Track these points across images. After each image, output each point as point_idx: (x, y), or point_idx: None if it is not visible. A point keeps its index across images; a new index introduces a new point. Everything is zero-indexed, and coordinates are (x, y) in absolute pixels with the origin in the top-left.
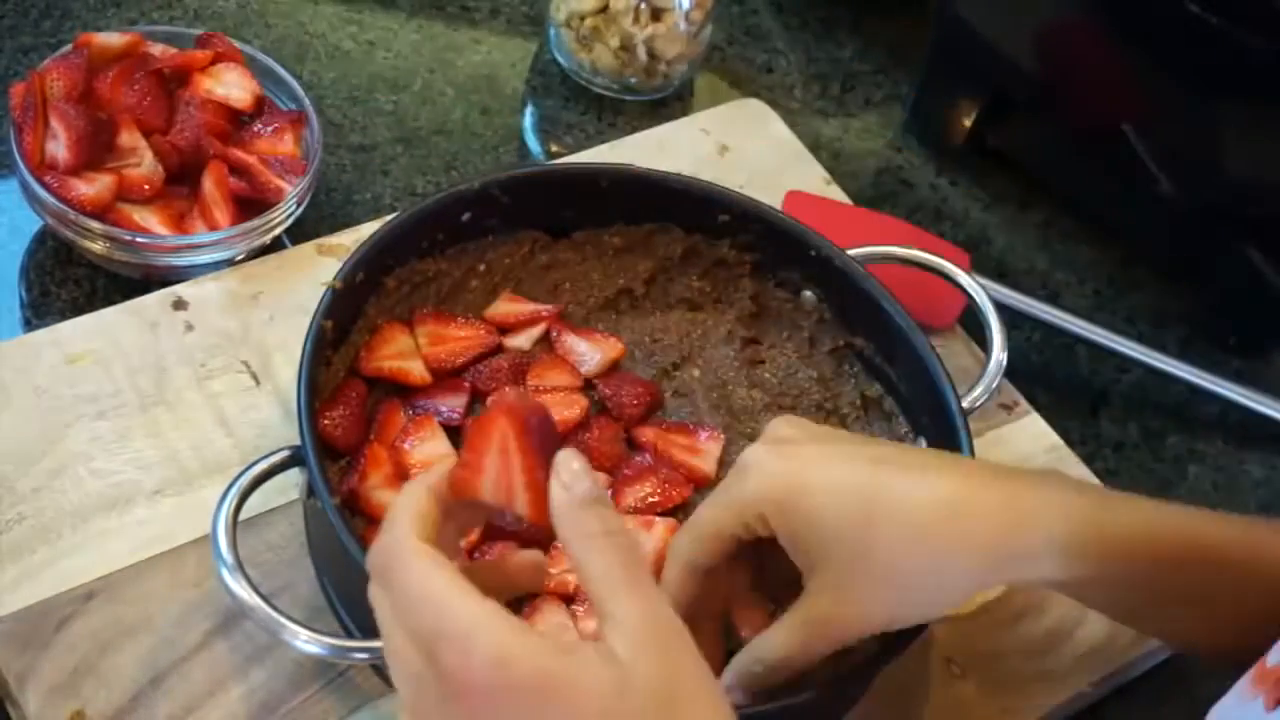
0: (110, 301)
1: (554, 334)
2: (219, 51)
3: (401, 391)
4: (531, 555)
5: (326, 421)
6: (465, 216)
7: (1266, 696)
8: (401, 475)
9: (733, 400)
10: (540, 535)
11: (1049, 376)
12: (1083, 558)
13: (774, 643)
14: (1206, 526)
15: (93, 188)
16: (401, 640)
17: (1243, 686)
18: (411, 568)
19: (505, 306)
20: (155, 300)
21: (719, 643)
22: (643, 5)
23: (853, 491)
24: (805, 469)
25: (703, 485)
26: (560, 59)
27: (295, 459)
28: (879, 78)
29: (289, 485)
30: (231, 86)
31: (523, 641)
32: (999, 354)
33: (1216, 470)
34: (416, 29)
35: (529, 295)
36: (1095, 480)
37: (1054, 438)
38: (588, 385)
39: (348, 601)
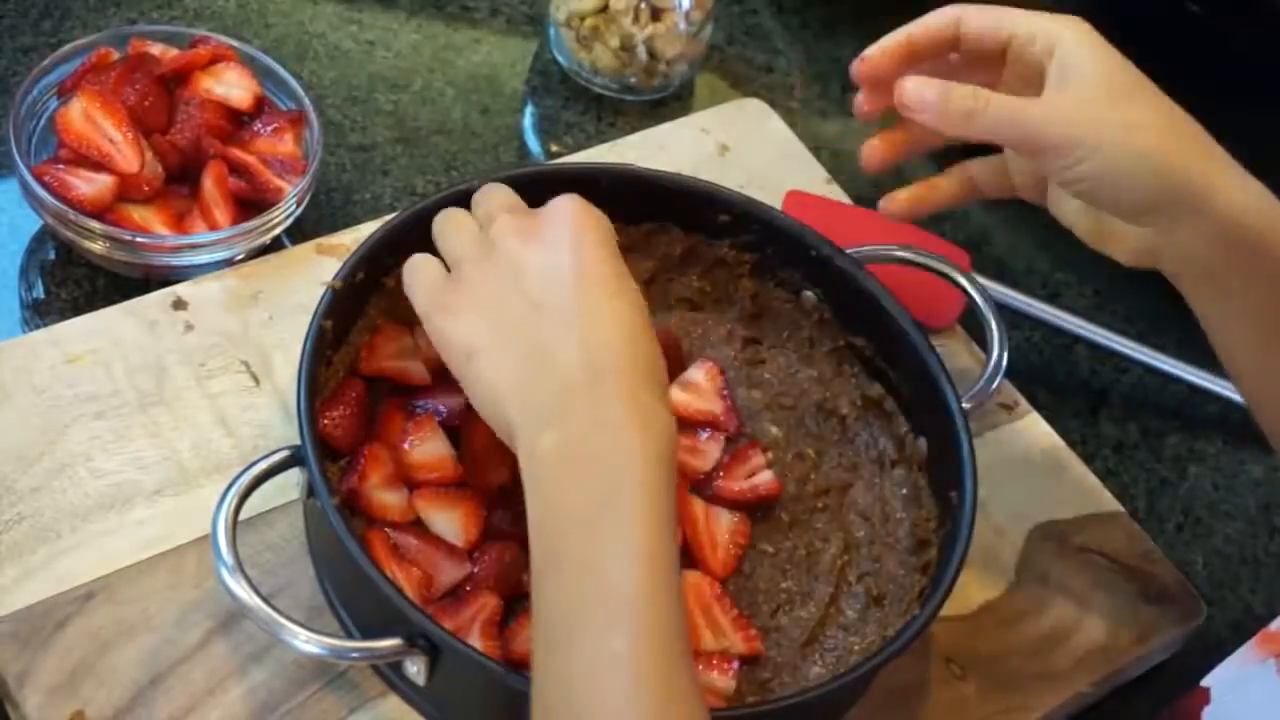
0: (110, 301)
1: None
2: (215, 52)
3: (401, 391)
4: None
5: (326, 421)
6: None
7: (1278, 662)
8: (401, 475)
9: (733, 400)
10: None
11: (1049, 376)
12: (1234, 247)
13: (1004, 97)
14: None
15: (92, 187)
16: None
17: (1246, 652)
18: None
19: None
20: (155, 300)
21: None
22: (643, 5)
23: (1124, 71)
24: (1100, 38)
25: (700, 485)
26: (560, 59)
27: (295, 459)
28: None
29: (289, 485)
30: (232, 86)
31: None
32: (999, 354)
33: (1216, 470)
34: (416, 29)
35: None
36: (1097, 481)
37: (1054, 438)
38: None
39: (348, 601)
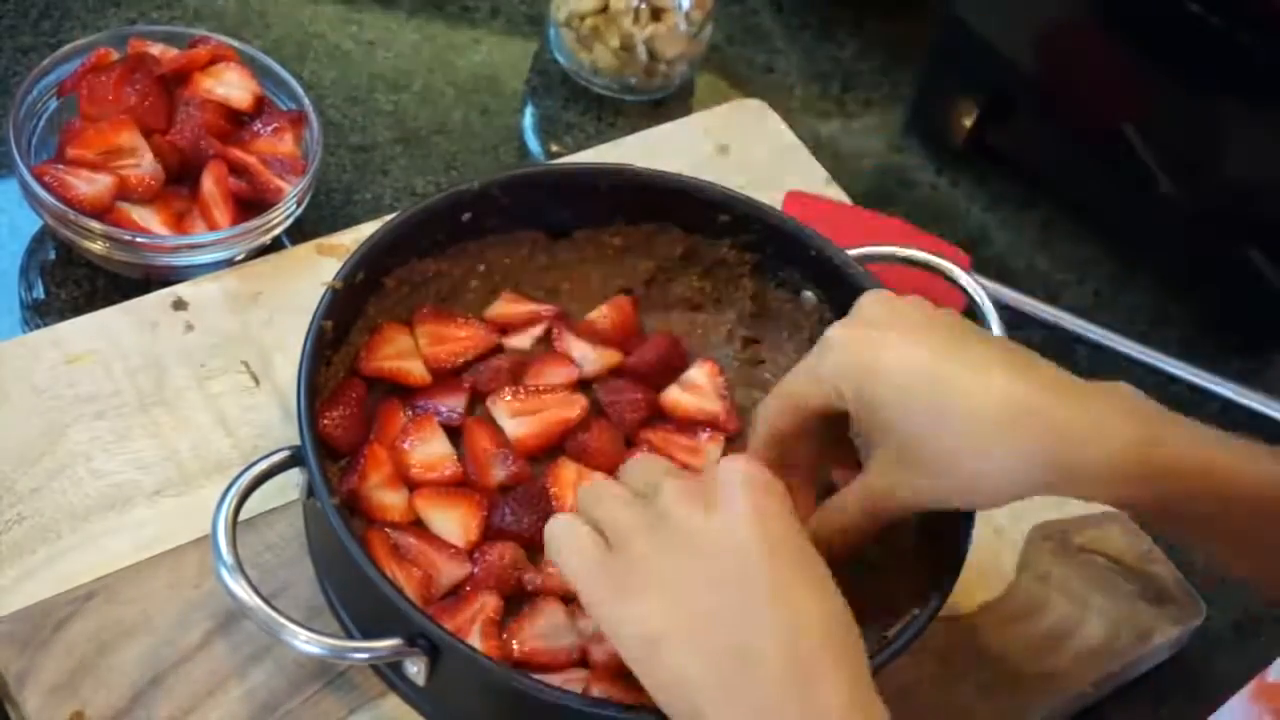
0: (110, 301)
1: (555, 333)
2: (215, 52)
3: (401, 391)
4: None
5: (326, 421)
6: (465, 216)
7: (1274, 715)
8: (401, 475)
9: (733, 400)
10: (541, 536)
11: None
12: (1131, 482)
13: (839, 505)
14: (1254, 465)
15: (92, 187)
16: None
17: (1242, 702)
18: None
19: (505, 307)
20: (155, 300)
21: (810, 499)
22: (643, 5)
23: (921, 381)
24: (880, 355)
25: None
26: (560, 59)
27: (295, 459)
28: (879, 78)
29: (289, 485)
30: (232, 86)
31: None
32: None
33: None
34: (416, 29)
35: (529, 295)
36: None
37: None
38: (588, 385)
39: (348, 601)
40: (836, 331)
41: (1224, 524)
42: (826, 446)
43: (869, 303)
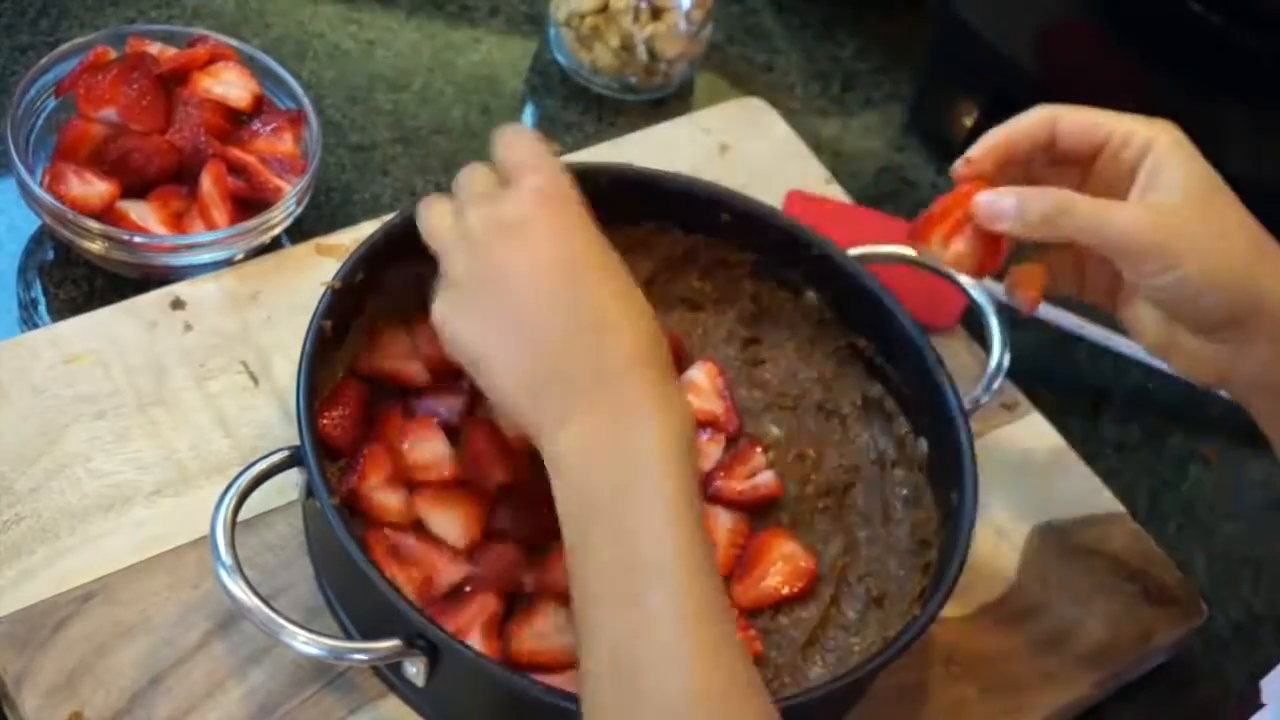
0: (108, 301)
1: None
2: (213, 51)
3: (401, 391)
4: None
5: (326, 421)
6: None
7: None
8: (401, 476)
9: (733, 400)
10: (540, 536)
11: (1050, 376)
12: None
13: (1087, 200)
14: None
15: (90, 188)
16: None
17: None
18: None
19: None
20: (154, 300)
21: None
22: (643, 5)
23: (1212, 184)
24: (1192, 146)
25: (702, 485)
26: (560, 59)
27: (294, 459)
28: (879, 77)
29: (288, 485)
30: (230, 86)
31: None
32: (1000, 354)
33: (1217, 470)
34: (416, 28)
35: None
36: (1097, 482)
37: (1055, 438)
38: None
39: (347, 602)
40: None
41: None
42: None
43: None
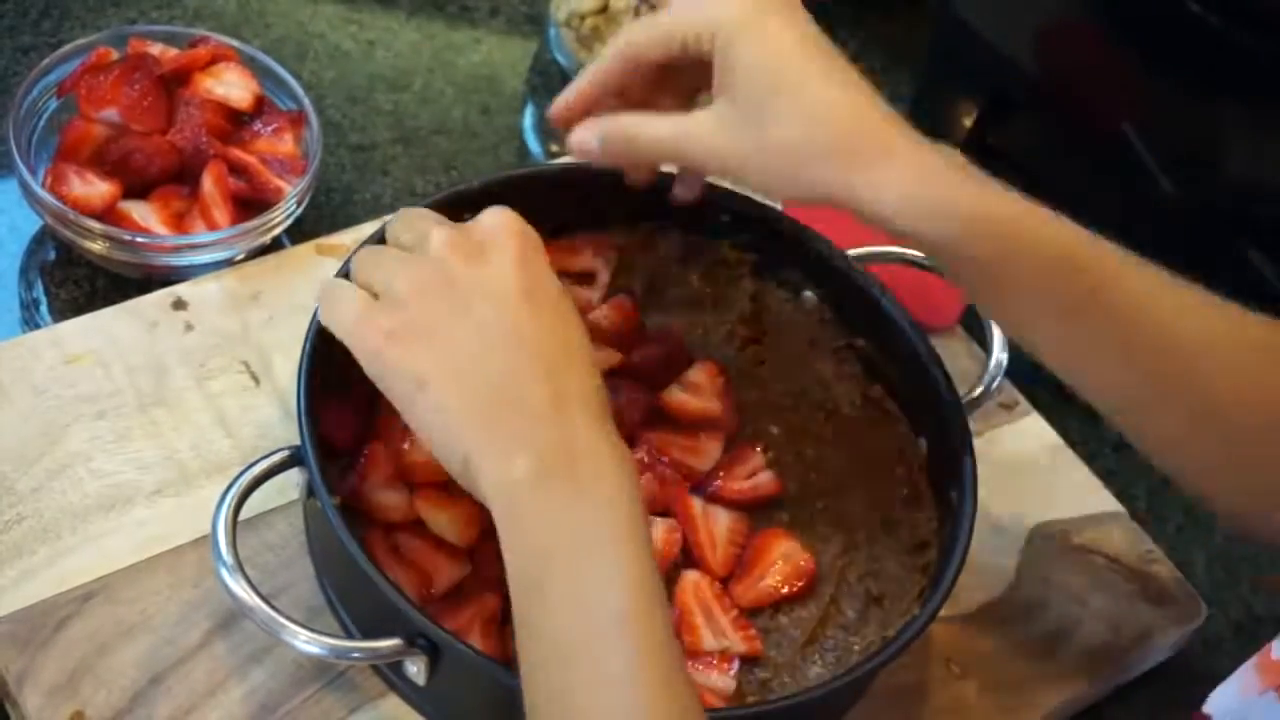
0: (110, 301)
1: None
2: (215, 52)
3: None
4: None
5: (326, 421)
6: (465, 216)
7: (1277, 690)
8: (402, 476)
9: (733, 400)
10: None
11: (1049, 376)
12: (921, 216)
13: (653, 124)
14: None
15: (92, 188)
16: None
17: (1247, 677)
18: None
19: None
20: (155, 300)
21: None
22: (643, 5)
23: (778, 62)
24: (764, 18)
25: (700, 485)
26: (560, 59)
27: (295, 459)
28: (879, 78)
29: (289, 485)
30: (232, 86)
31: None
32: (999, 354)
33: None
34: (416, 29)
35: None
36: (1097, 481)
37: (1054, 438)
38: None
39: (348, 601)
40: None
41: (1005, 278)
42: (638, 93)
43: None
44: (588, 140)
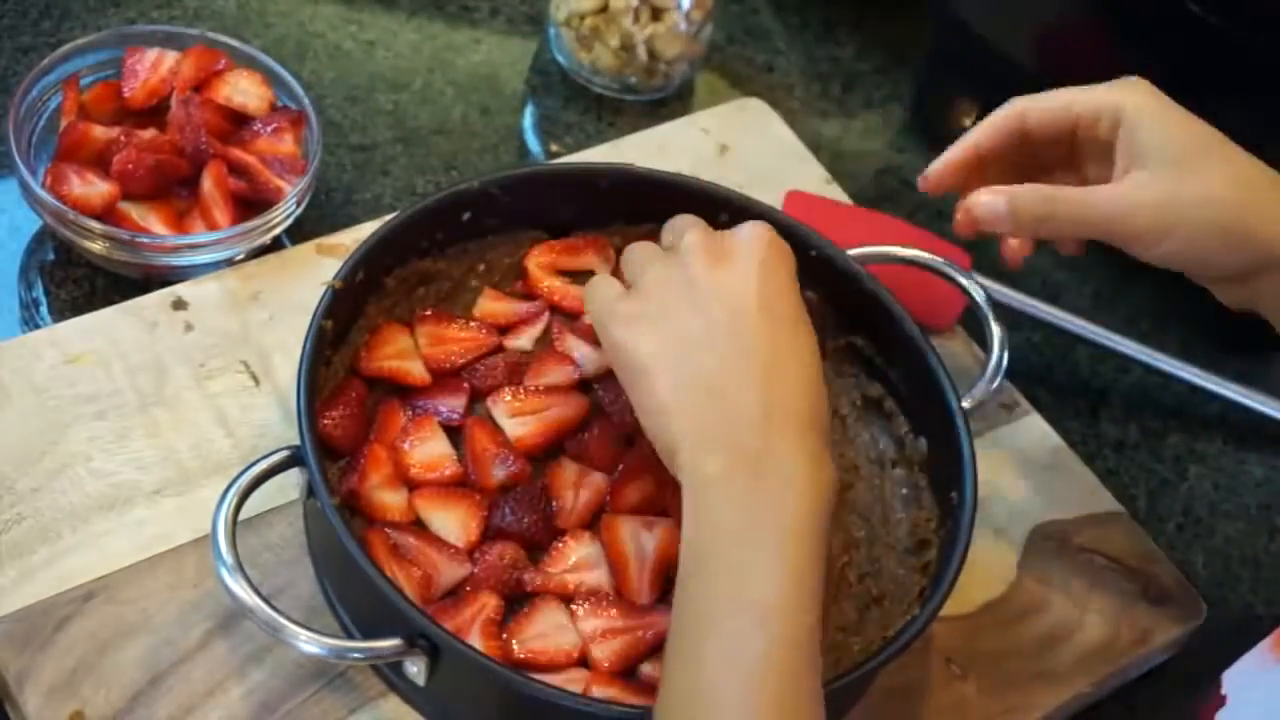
0: (110, 301)
1: (555, 333)
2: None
3: (401, 391)
4: None
5: (326, 421)
6: (465, 216)
7: None
8: (401, 475)
9: None
10: (540, 536)
11: (1049, 376)
12: None
13: (1071, 191)
14: None
15: (92, 188)
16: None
17: (1264, 652)
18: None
19: (490, 305)
20: (155, 300)
21: None
22: (643, 5)
23: (1190, 135)
24: (1165, 101)
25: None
26: (560, 59)
27: (295, 459)
28: (879, 78)
29: (289, 485)
30: (249, 95)
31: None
32: (999, 354)
33: (1216, 470)
34: (416, 29)
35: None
36: (1097, 481)
37: (1054, 438)
38: (588, 386)
39: (348, 601)
40: (1138, 81)
41: None
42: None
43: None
44: (996, 205)
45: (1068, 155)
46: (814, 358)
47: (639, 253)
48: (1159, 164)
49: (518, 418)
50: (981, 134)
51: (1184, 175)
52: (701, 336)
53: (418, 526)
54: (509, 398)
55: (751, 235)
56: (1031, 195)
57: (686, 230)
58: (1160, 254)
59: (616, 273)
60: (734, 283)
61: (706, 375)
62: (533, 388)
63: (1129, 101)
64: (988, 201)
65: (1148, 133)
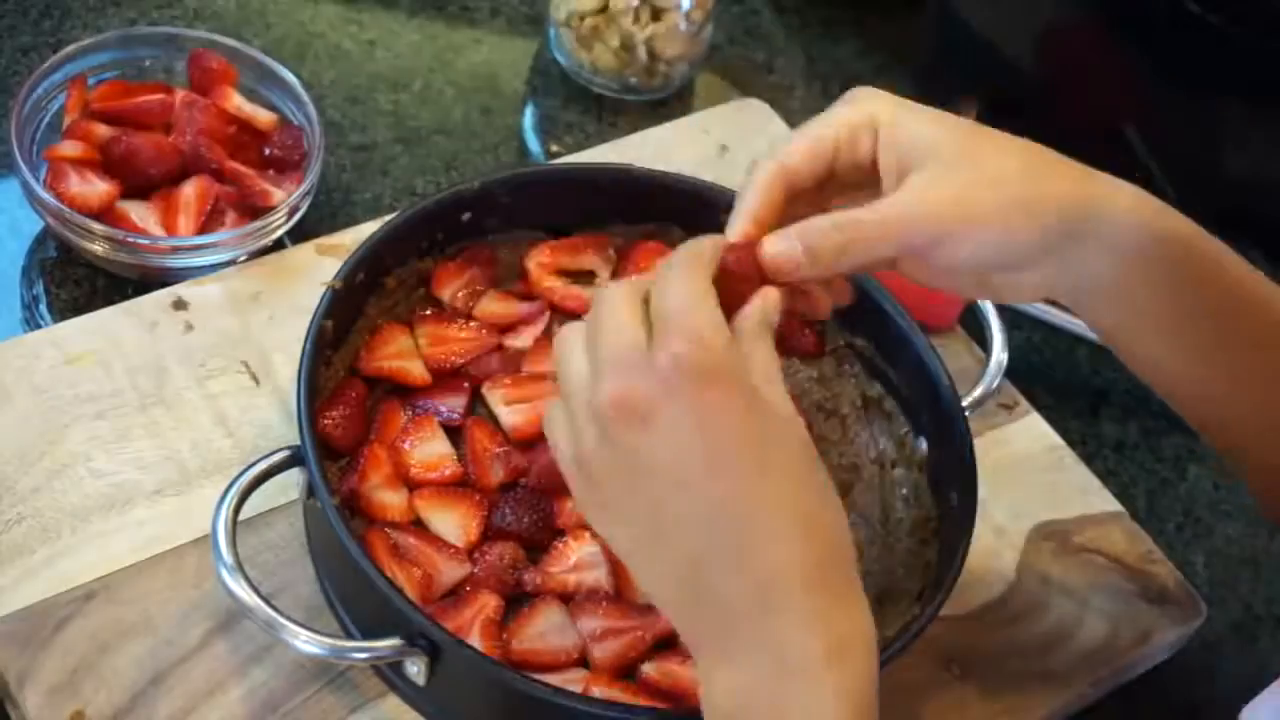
0: (110, 302)
1: (556, 328)
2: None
3: (401, 391)
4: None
5: (326, 421)
6: (465, 216)
7: None
8: (401, 475)
9: None
10: (540, 536)
11: (1049, 376)
12: (1136, 251)
13: (859, 212)
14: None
15: (93, 189)
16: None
17: None
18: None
19: (490, 305)
20: (155, 300)
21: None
22: (643, 5)
23: (953, 128)
24: (913, 106)
25: None
26: (560, 59)
27: (295, 459)
28: (879, 78)
29: (289, 485)
30: (260, 107)
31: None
32: (999, 354)
33: (1217, 470)
34: (417, 29)
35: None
36: (1097, 481)
37: (1054, 438)
38: None
39: (348, 601)
40: (860, 89)
41: (1197, 307)
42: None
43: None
44: (791, 251)
45: (828, 189)
46: (801, 492)
47: (556, 413)
48: (937, 161)
49: (513, 405)
50: (756, 202)
51: (968, 164)
52: (664, 522)
53: (418, 526)
54: (505, 385)
55: (665, 370)
56: (823, 225)
57: (601, 369)
58: (961, 256)
59: (616, 275)
60: (668, 451)
61: (683, 566)
62: (528, 375)
63: (881, 111)
64: (784, 250)
65: (914, 135)
